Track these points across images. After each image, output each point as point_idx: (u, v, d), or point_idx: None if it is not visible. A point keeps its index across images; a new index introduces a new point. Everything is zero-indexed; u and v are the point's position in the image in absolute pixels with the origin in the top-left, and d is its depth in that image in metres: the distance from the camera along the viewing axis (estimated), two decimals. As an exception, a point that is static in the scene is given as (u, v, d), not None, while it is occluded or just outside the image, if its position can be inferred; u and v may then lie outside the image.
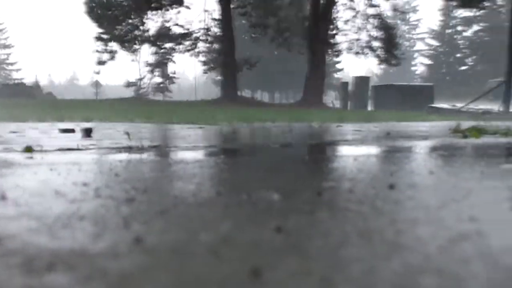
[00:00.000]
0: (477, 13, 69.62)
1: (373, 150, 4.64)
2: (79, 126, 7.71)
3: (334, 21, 33.80)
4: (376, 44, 34.02)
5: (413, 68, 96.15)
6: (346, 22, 34.69)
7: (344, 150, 4.65)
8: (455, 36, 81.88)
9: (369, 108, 31.15)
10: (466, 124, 9.33)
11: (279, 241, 1.39)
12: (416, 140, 5.77)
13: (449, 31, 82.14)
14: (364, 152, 4.34)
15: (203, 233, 1.47)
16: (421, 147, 4.87)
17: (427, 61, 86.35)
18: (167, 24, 35.89)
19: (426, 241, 1.39)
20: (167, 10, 34.84)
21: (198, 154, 4.12)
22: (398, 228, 1.54)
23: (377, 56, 34.17)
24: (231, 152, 4.46)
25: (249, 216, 1.72)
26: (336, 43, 35.41)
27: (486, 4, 36.94)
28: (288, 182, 2.56)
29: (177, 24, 35.88)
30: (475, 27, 79.56)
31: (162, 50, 40.25)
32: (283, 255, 1.26)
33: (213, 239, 1.42)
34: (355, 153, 4.28)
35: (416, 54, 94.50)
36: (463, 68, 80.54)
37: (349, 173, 2.90)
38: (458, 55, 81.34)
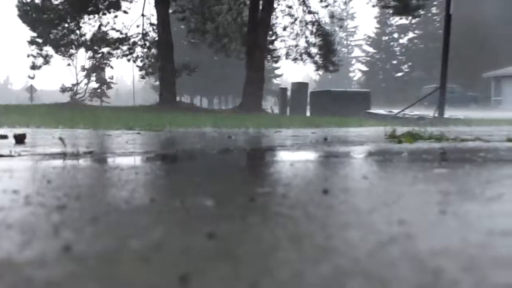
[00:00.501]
0: (413, 21, 71.30)
1: (309, 155, 4.69)
2: (12, 132, 7.52)
3: (273, 28, 34.02)
4: (314, 50, 34.40)
5: (350, 74, 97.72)
6: (284, 28, 34.96)
7: (281, 156, 4.68)
8: (391, 43, 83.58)
9: (308, 113, 31.42)
10: (401, 129, 9.51)
11: (210, 247, 1.39)
12: (352, 146, 5.85)
13: (386, 38, 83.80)
14: (301, 158, 4.38)
15: (134, 240, 1.46)
16: (356, 152, 4.95)
17: (364, 68, 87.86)
18: (104, 29, 35.40)
19: (355, 244, 1.42)
20: (104, 14, 34.38)
21: (134, 160, 4.08)
22: (328, 232, 1.56)
23: (315, 62, 34.54)
24: (168, 158, 4.43)
25: (181, 222, 1.71)
26: (275, 49, 35.65)
27: (421, 12, 37.84)
28: (223, 188, 2.56)
29: (114, 29, 35.42)
30: (411, 35, 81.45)
31: (98, 55, 39.67)
32: (213, 261, 1.27)
33: (144, 246, 1.40)
34: (291, 158, 4.31)
35: (353, 61, 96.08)
36: (399, 74, 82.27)
37: (284, 178, 2.93)
38: (394, 61, 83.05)
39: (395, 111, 24.76)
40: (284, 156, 4.61)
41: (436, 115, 22.06)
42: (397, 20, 75.22)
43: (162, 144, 6.30)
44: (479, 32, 64.31)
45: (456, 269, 1.19)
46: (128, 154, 4.58)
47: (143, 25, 35.36)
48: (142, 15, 35.07)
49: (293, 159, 4.25)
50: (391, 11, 33.89)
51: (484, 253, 1.32)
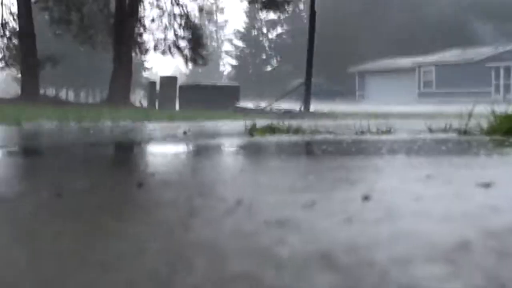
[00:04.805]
0: (281, 16, 72.72)
1: (155, 149, 4.63)
2: None
3: (141, 20, 33.49)
4: (183, 43, 34.22)
5: (221, 68, 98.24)
6: (153, 20, 34.51)
7: (137, 150, 4.61)
8: (260, 38, 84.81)
9: (177, 107, 31.29)
10: (263, 122, 9.63)
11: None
12: (208, 139, 5.87)
13: (255, 33, 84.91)
14: (155, 151, 4.33)
15: None
16: (206, 146, 4.95)
17: (234, 62, 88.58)
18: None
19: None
20: (-39, 2, 32.42)
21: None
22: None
23: (184, 55, 34.38)
24: (23, 153, 4.23)
25: None
26: (143, 42, 35.11)
27: (288, 8, 38.67)
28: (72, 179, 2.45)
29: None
30: (280, 30, 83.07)
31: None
32: None
33: None
34: (141, 151, 4.25)
35: (223, 55, 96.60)
36: (269, 68, 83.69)
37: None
38: (264, 56, 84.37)
39: (264, 105, 25.16)
40: (138, 150, 4.54)
41: (302, 109, 22.66)
42: (266, 15, 76.41)
43: (18, 138, 6.02)
44: (345, 28, 66.75)
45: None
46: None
47: (2, 14, 33.67)
48: (1, 3, 33.40)
49: (151, 151, 4.19)
50: (259, 6, 34.36)
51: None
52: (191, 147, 4.82)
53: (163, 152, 4.49)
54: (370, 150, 4.52)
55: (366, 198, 1.81)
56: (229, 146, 4.97)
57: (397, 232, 1.34)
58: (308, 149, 4.60)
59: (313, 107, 22.59)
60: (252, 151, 4.51)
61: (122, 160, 3.52)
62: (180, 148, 4.72)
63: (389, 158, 3.68)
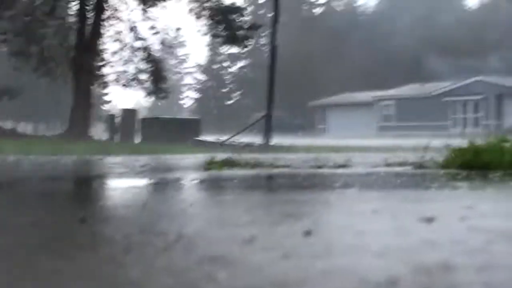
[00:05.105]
0: (243, 50, 73.19)
1: (107, 184, 4.58)
2: None
3: (101, 53, 33.33)
4: (143, 77, 34.10)
5: (181, 102, 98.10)
6: (113, 54, 34.36)
7: (88, 184, 4.54)
8: (221, 72, 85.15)
9: (137, 140, 31.09)
10: (221, 156, 9.61)
11: None
12: (164, 173, 5.82)
13: (216, 66, 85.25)
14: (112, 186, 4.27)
15: None
16: (160, 180, 4.91)
17: (196, 95, 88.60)
18: None
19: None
20: None
21: None
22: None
23: (145, 88, 34.25)
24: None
25: None
26: (103, 75, 34.89)
27: (249, 42, 38.94)
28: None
29: None
30: (241, 63, 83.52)
31: None
32: None
33: None
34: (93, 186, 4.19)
35: (184, 88, 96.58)
36: (230, 102, 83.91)
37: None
38: (225, 89, 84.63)
39: (224, 138, 25.17)
40: (88, 185, 4.48)
41: (263, 142, 22.69)
42: (227, 49, 76.88)
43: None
44: (307, 62, 67.55)
45: None
46: None
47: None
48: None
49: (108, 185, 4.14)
50: (220, 41, 34.54)
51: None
52: (144, 182, 4.78)
53: (116, 186, 4.45)
54: (323, 184, 4.54)
55: (307, 233, 1.80)
56: (184, 180, 4.95)
57: (331, 268, 1.34)
58: (262, 183, 4.60)
59: (274, 140, 22.65)
60: (205, 185, 4.50)
61: (71, 195, 3.47)
62: (134, 183, 4.68)
63: (340, 192, 3.69)
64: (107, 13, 32.47)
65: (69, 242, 1.81)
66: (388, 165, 6.43)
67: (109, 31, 34.37)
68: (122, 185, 4.48)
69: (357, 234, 1.84)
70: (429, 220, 2.11)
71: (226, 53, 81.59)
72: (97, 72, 32.88)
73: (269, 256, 1.49)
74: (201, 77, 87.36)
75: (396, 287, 1.17)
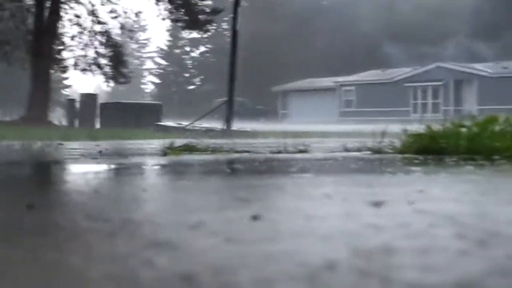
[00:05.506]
0: (204, 35, 72.78)
1: (62, 169, 4.53)
2: None
3: (60, 37, 32.83)
4: (103, 61, 33.72)
5: (143, 86, 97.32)
6: (72, 38, 33.88)
7: (43, 170, 4.48)
8: (183, 56, 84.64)
9: (97, 125, 30.79)
10: (182, 141, 9.57)
11: None
12: (122, 158, 5.78)
13: (178, 51, 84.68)
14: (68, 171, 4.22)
15: None
16: (116, 166, 4.87)
17: (157, 80, 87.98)
18: None
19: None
20: None
21: None
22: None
23: (105, 73, 33.90)
24: None
25: None
26: (62, 59, 34.40)
27: (210, 27, 38.75)
28: None
29: None
30: (203, 48, 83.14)
31: None
32: None
33: None
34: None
35: (145, 73, 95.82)
36: (191, 87, 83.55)
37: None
38: (187, 74, 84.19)
39: (185, 123, 25.04)
40: (46, 169, 4.42)
41: (225, 127, 22.65)
42: (189, 34, 76.35)
43: None
44: (269, 48, 67.51)
45: None
46: None
47: None
48: None
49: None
50: (181, 25, 34.34)
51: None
52: (100, 167, 4.73)
53: (70, 172, 4.40)
54: (279, 169, 4.56)
55: (255, 217, 1.81)
56: (141, 165, 4.91)
57: (273, 252, 1.34)
58: (220, 168, 4.60)
59: (236, 125, 22.64)
60: (162, 171, 4.48)
61: (24, 181, 3.42)
62: (89, 168, 4.63)
63: (296, 177, 3.71)
64: (66, -4, 32.00)
65: (11, 229, 1.79)
66: (346, 150, 6.49)
67: (68, 14, 33.89)
68: (77, 171, 4.43)
69: (305, 219, 1.85)
70: (378, 204, 2.14)
71: (187, 37, 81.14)
72: (56, 56, 32.44)
73: (213, 241, 1.49)
74: (163, 62, 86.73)
75: (334, 270, 1.18)
